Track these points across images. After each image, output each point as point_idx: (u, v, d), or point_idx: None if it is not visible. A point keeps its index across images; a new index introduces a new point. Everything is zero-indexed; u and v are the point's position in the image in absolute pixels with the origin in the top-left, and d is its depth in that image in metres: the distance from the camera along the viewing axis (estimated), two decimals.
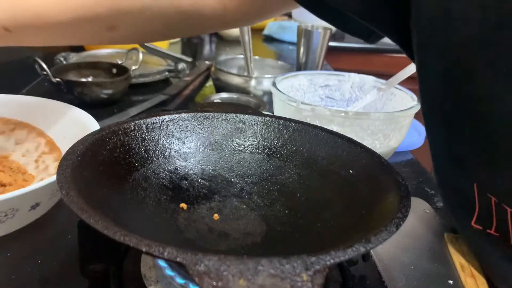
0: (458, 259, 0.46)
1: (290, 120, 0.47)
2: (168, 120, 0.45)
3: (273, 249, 0.36)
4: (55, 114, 0.57)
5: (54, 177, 0.40)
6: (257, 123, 0.47)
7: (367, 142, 0.58)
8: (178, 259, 0.24)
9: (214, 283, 0.22)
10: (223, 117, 0.47)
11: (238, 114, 0.47)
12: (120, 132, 0.41)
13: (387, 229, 0.29)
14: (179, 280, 0.33)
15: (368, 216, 0.35)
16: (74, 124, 0.54)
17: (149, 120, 0.43)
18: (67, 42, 0.52)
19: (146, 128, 0.43)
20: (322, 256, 0.25)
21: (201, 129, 0.46)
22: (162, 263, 0.34)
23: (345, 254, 0.26)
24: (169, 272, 0.34)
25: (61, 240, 0.45)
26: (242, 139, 0.47)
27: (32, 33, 0.47)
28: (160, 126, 0.44)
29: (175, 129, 0.45)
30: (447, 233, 0.51)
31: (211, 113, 0.47)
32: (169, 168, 0.43)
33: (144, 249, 0.25)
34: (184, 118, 0.45)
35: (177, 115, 0.45)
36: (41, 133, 0.55)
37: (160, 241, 0.25)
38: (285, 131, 0.46)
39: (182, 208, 0.40)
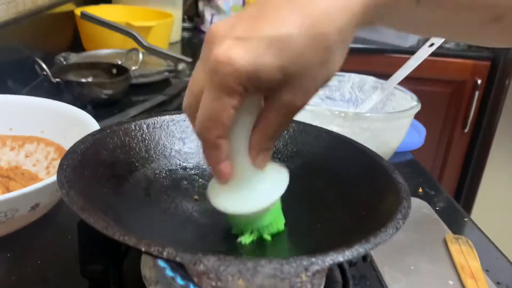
0: (458, 259, 0.46)
1: None
2: (168, 120, 0.45)
3: (273, 249, 0.36)
4: (55, 114, 0.57)
5: (54, 177, 0.40)
6: None
7: (367, 143, 0.57)
8: (177, 259, 0.24)
9: (214, 283, 0.22)
10: None
11: None
12: (120, 132, 0.41)
13: (387, 230, 0.29)
14: (180, 281, 0.33)
15: (368, 217, 0.35)
16: (74, 124, 0.54)
17: (150, 120, 0.43)
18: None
19: (147, 128, 0.43)
20: (322, 256, 0.25)
21: None
22: (162, 263, 0.34)
23: (344, 255, 0.26)
24: (169, 273, 0.34)
25: (61, 240, 0.45)
26: None
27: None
28: (160, 126, 0.44)
29: (175, 129, 0.45)
30: (447, 233, 0.51)
31: None
32: (170, 168, 0.43)
33: (143, 249, 0.25)
34: (185, 118, 0.45)
35: (177, 115, 0.45)
36: (49, 142, 0.56)
37: (160, 241, 0.25)
38: (285, 131, 0.46)
39: (183, 207, 0.40)
